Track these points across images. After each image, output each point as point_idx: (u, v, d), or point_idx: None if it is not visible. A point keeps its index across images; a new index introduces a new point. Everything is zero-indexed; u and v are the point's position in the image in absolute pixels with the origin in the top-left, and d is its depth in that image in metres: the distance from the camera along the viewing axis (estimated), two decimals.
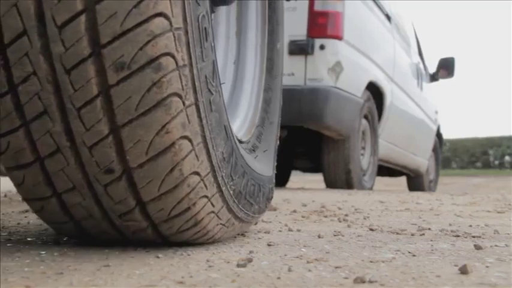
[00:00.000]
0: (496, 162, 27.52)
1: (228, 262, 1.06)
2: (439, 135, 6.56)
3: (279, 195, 3.62)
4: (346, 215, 2.11)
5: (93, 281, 0.88)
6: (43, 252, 1.13)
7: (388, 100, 4.13)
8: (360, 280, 0.90)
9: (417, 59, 5.60)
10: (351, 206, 2.62)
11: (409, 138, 5.05)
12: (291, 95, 2.67)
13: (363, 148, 3.89)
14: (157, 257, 1.09)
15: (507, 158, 27.35)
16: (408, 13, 5.79)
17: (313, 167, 3.99)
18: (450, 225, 1.81)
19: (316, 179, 8.04)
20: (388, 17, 4.34)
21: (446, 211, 2.42)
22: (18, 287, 0.84)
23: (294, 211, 2.24)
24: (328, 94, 3.20)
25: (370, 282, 0.90)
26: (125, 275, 0.92)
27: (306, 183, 7.22)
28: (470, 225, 1.80)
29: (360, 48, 3.60)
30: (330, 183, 3.78)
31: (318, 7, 3.20)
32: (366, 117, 3.82)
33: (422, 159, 5.71)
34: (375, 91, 3.88)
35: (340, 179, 3.67)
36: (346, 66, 3.35)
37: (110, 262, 1.03)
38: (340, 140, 3.51)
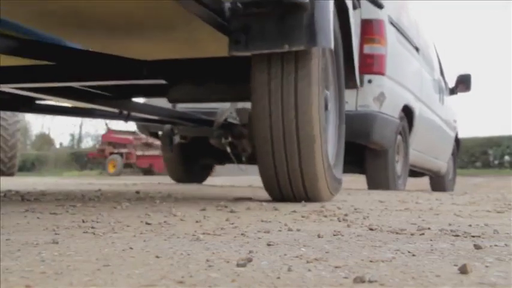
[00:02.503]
0: (496, 162, 27.51)
1: (228, 262, 1.06)
2: (457, 140, 7.53)
3: None
4: (346, 215, 2.11)
5: (93, 281, 0.88)
6: (43, 252, 1.13)
7: (417, 118, 5.08)
8: (360, 280, 0.90)
9: (439, 77, 6.54)
10: (350, 205, 2.62)
11: (432, 146, 6.00)
12: (346, 118, 3.14)
13: (398, 157, 4.77)
14: (157, 257, 1.09)
15: (507, 157, 27.34)
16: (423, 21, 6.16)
17: (357, 171, 4.91)
18: (450, 224, 1.81)
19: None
20: (417, 49, 5.33)
21: (445, 211, 2.42)
22: (18, 287, 0.84)
23: (294, 211, 2.24)
24: (374, 117, 4.16)
25: (370, 281, 0.90)
26: (124, 275, 0.93)
27: None
28: (470, 225, 1.80)
29: (397, 79, 4.54)
30: (372, 185, 4.60)
31: (366, 50, 4.16)
32: (400, 133, 4.73)
33: (442, 162, 6.66)
34: (407, 111, 4.83)
35: (380, 182, 4.49)
36: (388, 95, 4.29)
37: (110, 262, 1.03)
38: (381, 151, 4.41)
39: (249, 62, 2.23)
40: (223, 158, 4.66)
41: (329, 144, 2.53)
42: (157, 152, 20.46)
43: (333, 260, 1.09)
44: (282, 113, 2.20)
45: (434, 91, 6.05)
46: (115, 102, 3.22)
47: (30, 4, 2.17)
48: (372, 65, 4.15)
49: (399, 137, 4.72)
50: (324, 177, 2.44)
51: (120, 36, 2.50)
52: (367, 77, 4.14)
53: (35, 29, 2.65)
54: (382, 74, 4.22)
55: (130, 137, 20.48)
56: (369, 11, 4.05)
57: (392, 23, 4.47)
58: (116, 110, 3.45)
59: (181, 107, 4.25)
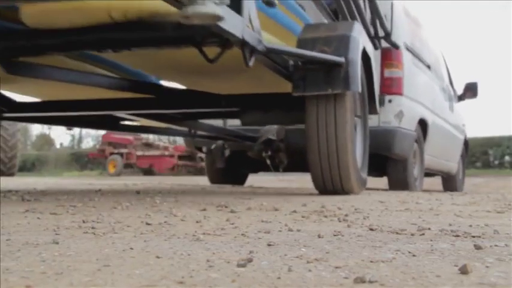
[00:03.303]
0: (496, 162, 27.50)
1: (228, 262, 1.06)
2: (465, 142, 8.15)
3: (279, 195, 3.62)
4: (346, 215, 2.11)
5: (93, 281, 0.88)
6: (43, 252, 1.13)
7: (430, 128, 5.73)
8: (360, 280, 0.90)
9: (448, 86, 7.16)
10: (350, 206, 2.62)
11: (444, 150, 6.69)
12: (371, 133, 3.96)
13: (414, 162, 5.41)
14: (158, 257, 1.09)
15: (507, 158, 27.33)
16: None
17: (380, 175, 5.59)
18: (450, 225, 1.81)
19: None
20: (429, 66, 6.02)
21: (446, 211, 2.42)
22: (18, 287, 0.84)
23: (294, 211, 2.24)
24: (395, 133, 4.80)
25: (370, 282, 0.90)
26: (125, 275, 0.93)
27: (306, 184, 7.22)
28: (470, 225, 1.80)
29: (413, 97, 5.19)
30: (393, 187, 5.20)
31: (386, 74, 4.84)
32: (416, 141, 5.34)
33: (453, 164, 7.34)
34: (421, 122, 5.47)
35: (400, 184, 5.12)
36: (405, 112, 4.94)
37: (110, 262, 1.03)
38: (400, 159, 5.06)
39: (302, 97, 3.11)
40: (258, 168, 5.54)
41: (357, 154, 3.44)
42: (157, 152, 20.49)
43: (333, 260, 1.09)
44: (326, 133, 3.11)
45: (444, 101, 6.74)
46: (186, 122, 4.26)
47: (144, 55, 3.02)
48: (392, 86, 4.83)
49: (415, 145, 5.38)
50: (354, 177, 3.30)
51: (207, 77, 3.37)
52: (387, 97, 4.82)
53: (140, 72, 3.69)
54: (400, 94, 4.89)
55: (131, 137, 20.50)
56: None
57: (407, 49, 5.17)
58: (186, 129, 4.55)
59: (230, 125, 5.10)
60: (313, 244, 1.33)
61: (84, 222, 1.74)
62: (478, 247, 1.27)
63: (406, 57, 5.04)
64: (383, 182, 5.80)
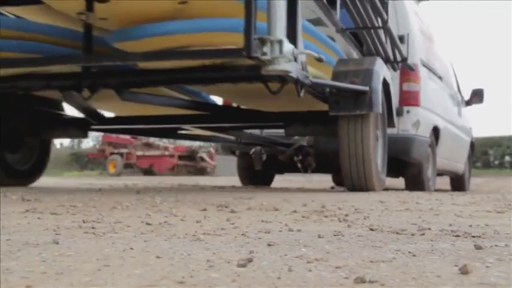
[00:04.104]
0: (496, 162, 27.48)
1: (229, 262, 1.06)
2: (472, 144, 8.80)
3: (279, 195, 3.62)
4: (347, 215, 2.11)
5: (93, 281, 0.88)
6: (43, 252, 1.13)
7: (442, 133, 6.37)
8: (360, 280, 0.90)
9: (457, 93, 7.78)
10: (351, 206, 2.62)
11: (453, 152, 7.31)
12: (391, 140, 4.79)
13: (428, 165, 6.01)
14: (158, 257, 1.09)
15: (507, 158, 27.32)
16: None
17: (397, 176, 6.19)
18: (450, 225, 1.81)
19: (317, 179, 8.04)
20: (441, 78, 6.68)
21: (446, 211, 2.42)
22: (18, 287, 0.84)
23: (294, 211, 2.24)
24: (412, 140, 5.38)
25: (371, 282, 0.90)
26: (125, 275, 0.93)
27: (306, 184, 7.22)
28: (471, 225, 1.80)
29: (428, 107, 5.80)
30: (410, 187, 5.75)
31: (405, 88, 5.45)
32: (430, 146, 5.94)
33: (460, 164, 7.99)
34: (434, 129, 6.09)
35: (416, 184, 5.72)
36: (422, 121, 5.53)
37: (110, 262, 1.03)
38: (416, 162, 5.67)
39: (336, 116, 3.95)
40: (286, 169, 6.32)
41: (378, 159, 4.22)
42: (157, 153, 20.48)
43: (333, 260, 1.09)
44: (354, 144, 3.93)
45: (453, 106, 7.42)
46: (233, 132, 5.08)
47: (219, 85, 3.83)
48: (409, 99, 5.44)
49: (429, 149, 5.99)
50: (375, 177, 4.05)
51: (262, 99, 4.09)
52: (405, 108, 5.42)
53: (202, 93, 4.76)
54: (417, 105, 5.49)
55: (130, 137, 20.48)
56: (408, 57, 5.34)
57: (423, 64, 5.81)
58: (233, 138, 5.41)
59: (266, 132, 5.74)
60: (313, 244, 1.32)
61: (84, 222, 1.74)
62: (478, 247, 1.27)
63: (422, 72, 5.70)
64: (399, 182, 6.37)
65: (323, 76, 3.86)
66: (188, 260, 1.07)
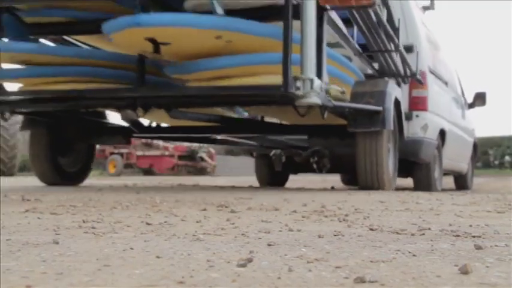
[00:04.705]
0: (496, 162, 27.48)
1: (229, 262, 1.06)
2: (474, 145, 9.24)
3: (279, 195, 3.62)
4: (347, 215, 2.11)
5: (94, 281, 0.88)
6: (43, 253, 1.13)
7: (448, 136, 6.76)
8: (360, 280, 0.90)
9: (461, 96, 8.24)
10: (351, 206, 2.62)
11: (458, 153, 7.74)
12: (400, 143, 5.24)
13: (435, 165, 6.41)
14: (158, 257, 1.09)
15: (507, 157, 27.31)
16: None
17: (404, 176, 6.44)
18: (450, 225, 1.81)
19: (317, 179, 8.05)
20: (446, 83, 7.12)
21: (446, 211, 2.42)
22: (18, 287, 0.84)
23: (294, 211, 2.24)
24: (421, 142, 5.79)
25: (371, 282, 0.90)
26: (125, 275, 0.93)
27: (306, 184, 7.23)
28: (471, 225, 1.80)
29: (435, 112, 6.23)
30: (418, 187, 6.10)
31: (414, 94, 5.89)
32: (436, 148, 6.35)
33: (464, 164, 8.48)
34: (441, 132, 6.49)
35: (424, 184, 6.13)
36: (429, 124, 5.94)
37: (110, 262, 1.03)
38: (425, 163, 6.13)
39: (354, 131, 4.52)
40: (301, 170, 6.85)
41: (390, 165, 4.71)
42: (157, 152, 20.47)
43: (333, 260, 1.09)
44: (370, 154, 4.48)
45: (457, 109, 7.83)
46: (259, 138, 5.79)
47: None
48: (418, 104, 5.87)
49: (436, 151, 6.39)
50: (388, 183, 4.56)
51: (290, 114, 4.64)
52: (415, 112, 5.83)
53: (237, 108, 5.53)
54: (425, 110, 5.91)
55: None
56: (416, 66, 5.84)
57: (431, 71, 6.25)
58: (256, 143, 6.16)
59: (286, 137, 6.22)
60: (313, 244, 1.32)
61: (84, 222, 1.74)
62: (478, 247, 1.27)
63: (429, 78, 6.13)
64: (408, 181, 6.67)
65: (344, 96, 4.34)
66: (188, 260, 1.07)
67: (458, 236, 1.52)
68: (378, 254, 1.18)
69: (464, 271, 0.97)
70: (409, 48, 5.58)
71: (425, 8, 6.96)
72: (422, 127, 5.81)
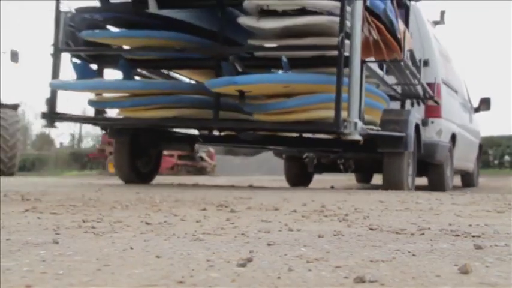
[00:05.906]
0: (496, 162, 27.45)
1: (228, 262, 1.06)
2: (480, 146, 10.05)
3: (278, 194, 3.62)
4: (346, 215, 2.11)
5: (94, 281, 0.88)
6: (43, 252, 1.13)
7: (458, 139, 7.48)
8: (360, 280, 0.90)
9: (468, 102, 9.04)
10: (350, 205, 2.62)
11: (466, 154, 8.48)
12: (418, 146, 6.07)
13: (447, 166, 7.14)
14: (158, 257, 1.09)
15: (507, 157, 27.27)
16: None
17: (419, 175, 6.88)
18: (450, 224, 1.81)
19: (317, 179, 8.07)
20: (456, 92, 7.91)
21: (446, 211, 2.42)
22: (18, 287, 0.84)
23: (294, 211, 2.24)
24: (436, 145, 6.52)
25: (370, 281, 0.90)
26: (125, 275, 0.93)
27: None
28: (470, 225, 1.80)
29: (448, 118, 7.02)
30: (432, 186, 6.77)
31: (429, 103, 6.58)
32: (449, 150, 7.06)
33: (470, 164, 9.23)
34: (452, 135, 7.22)
35: (438, 183, 6.83)
36: (443, 129, 6.69)
37: (110, 262, 1.03)
38: (439, 164, 6.91)
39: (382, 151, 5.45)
40: (328, 170, 7.61)
41: (409, 173, 5.49)
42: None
43: (333, 260, 1.09)
44: (394, 168, 5.29)
45: (466, 115, 8.66)
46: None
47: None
48: (433, 111, 6.64)
49: (448, 153, 7.08)
50: (407, 186, 5.31)
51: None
52: (430, 119, 6.56)
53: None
54: (440, 117, 6.70)
55: None
56: (432, 78, 6.66)
57: (444, 82, 6.99)
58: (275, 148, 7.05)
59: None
60: (313, 244, 1.32)
61: (84, 221, 1.74)
62: (478, 247, 1.27)
63: (443, 89, 6.94)
64: (422, 180, 7.15)
65: (374, 119, 5.28)
66: (188, 259, 1.07)
67: (458, 235, 1.52)
68: (378, 254, 1.18)
69: (464, 271, 0.97)
70: (425, 63, 6.41)
71: (435, 23, 7.85)
72: (437, 132, 6.58)
